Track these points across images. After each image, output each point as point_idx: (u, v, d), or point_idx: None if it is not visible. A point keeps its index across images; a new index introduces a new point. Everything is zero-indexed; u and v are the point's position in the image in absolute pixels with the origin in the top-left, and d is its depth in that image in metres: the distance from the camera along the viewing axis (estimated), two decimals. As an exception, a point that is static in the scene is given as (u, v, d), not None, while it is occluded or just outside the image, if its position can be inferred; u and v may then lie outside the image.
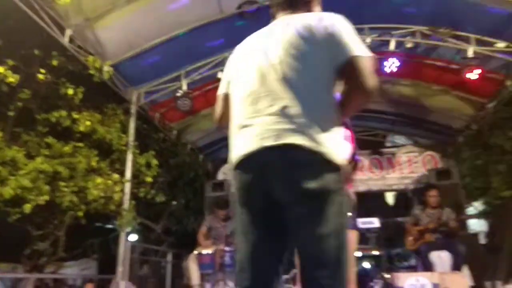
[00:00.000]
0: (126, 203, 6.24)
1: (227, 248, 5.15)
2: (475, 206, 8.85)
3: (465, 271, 5.32)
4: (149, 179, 6.61)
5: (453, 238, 5.45)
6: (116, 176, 6.08)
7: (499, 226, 6.59)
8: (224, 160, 6.45)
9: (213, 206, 6.70)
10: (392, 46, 5.96)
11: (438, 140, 9.43)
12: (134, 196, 6.50)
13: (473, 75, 5.87)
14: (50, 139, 5.63)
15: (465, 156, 8.39)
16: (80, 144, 5.85)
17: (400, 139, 10.45)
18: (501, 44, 5.78)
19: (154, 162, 6.71)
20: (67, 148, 5.66)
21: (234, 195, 1.65)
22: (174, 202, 9.68)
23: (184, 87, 6.59)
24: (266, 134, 1.51)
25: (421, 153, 9.50)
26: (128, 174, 6.43)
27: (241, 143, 1.59)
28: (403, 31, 6.08)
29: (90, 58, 5.56)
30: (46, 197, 5.20)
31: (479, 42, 5.86)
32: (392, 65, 6.07)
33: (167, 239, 10.08)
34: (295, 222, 1.51)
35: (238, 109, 1.67)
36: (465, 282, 4.92)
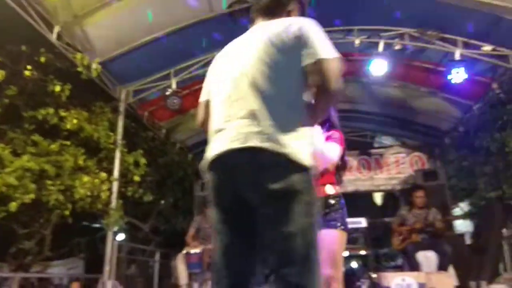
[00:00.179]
0: (114, 202, 6.20)
1: (215, 248, 5.13)
2: (461, 207, 8.98)
3: (451, 271, 5.39)
4: (137, 178, 6.56)
5: (439, 238, 5.52)
6: (103, 174, 6.03)
7: (484, 227, 6.69)
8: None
9: (202, 206, 6.68)
10: (380, 47, 6.01)
11: (425, 141, 9.53)
12: (122, 195, 6.45)
13: (459, 78, 5.96)
14: (36, 137, 5.55)
15: (452, 158, 8.51)
16: (67, 142, 5.79)
17: (387, 140, 10.54)
18: (487, 48, 5.86)
19: (143, 161, 6.66)
20: (54, 146, 5.59)
21: (209, 195, 1.70)
22: (163, 201, 9.64)
23: (174, 86, 6.56)
24: (235, 137, 1.55)
25: (408, 154, 9.60)
26: (116, 172, 6.38)
27: (214, 146, 1.65)
28: (392, 33, 6.12)
29: (78, 55, 5.50)
30: (32, 196, 5.14)
31: (466, 45, 5.94)
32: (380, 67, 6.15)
33: (155, 239, 10.03)
34: (263, 222, 1.54)
35: (215, 114, 1.73)
36: (451, 282, 4.98)
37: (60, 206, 5.57)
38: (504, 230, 6.72)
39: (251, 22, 1.89)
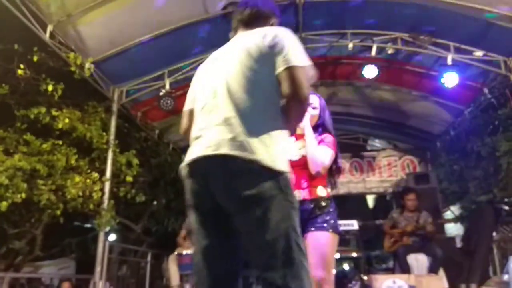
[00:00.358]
0: (106, 202, 6.16)
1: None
2: (452, 210, 9.04)
3: (441, 273, 5.43)
4: (129, 179, 6.53)
5: (430, 241, 5.56)
6: (95, 175, 6.00)
7: (475, 230, 6.74)
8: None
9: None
10: (373, 51, 6.05)
11: (417, 145, 9.61)
12: (114, 195, 6.42)
13: (451, 82, 6.03)
14: (28, 136, 5.52)
15: (443, 161, 8.57)
16: (59, 142, 5.75)
17: (380, 143, 10.61)
18: (479, 53, 5.93)
19: (135, 161, 6.63)
20: (45, 146, 5.55)
21: (187, 199, 1.72)
22: (155, 202, 9.61)
23: (167, 87, 6.55)
24: (209, 144, 1.57)
25: (400, 157, 9.66)
26: (108, 173, 6.35)
27: (190, 152, 1.67)
28: (385, 37, 6.18)
29: (71, 54, 5.48)
30: (23, 195, 5.10)
31: (458, 50, 6.00)
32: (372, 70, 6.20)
33: (147, 239, 9.99)
34: (239, 228, 1.56)
35: (195, 122, 1.76)
36: (441, 285, 5.03)
37: (51, 206, 5.53)
38: (494, 234, 6.79)
39: (234, 31, 1.93)
